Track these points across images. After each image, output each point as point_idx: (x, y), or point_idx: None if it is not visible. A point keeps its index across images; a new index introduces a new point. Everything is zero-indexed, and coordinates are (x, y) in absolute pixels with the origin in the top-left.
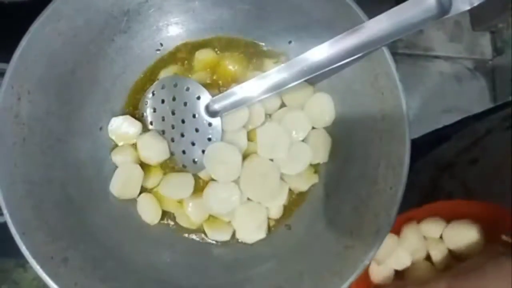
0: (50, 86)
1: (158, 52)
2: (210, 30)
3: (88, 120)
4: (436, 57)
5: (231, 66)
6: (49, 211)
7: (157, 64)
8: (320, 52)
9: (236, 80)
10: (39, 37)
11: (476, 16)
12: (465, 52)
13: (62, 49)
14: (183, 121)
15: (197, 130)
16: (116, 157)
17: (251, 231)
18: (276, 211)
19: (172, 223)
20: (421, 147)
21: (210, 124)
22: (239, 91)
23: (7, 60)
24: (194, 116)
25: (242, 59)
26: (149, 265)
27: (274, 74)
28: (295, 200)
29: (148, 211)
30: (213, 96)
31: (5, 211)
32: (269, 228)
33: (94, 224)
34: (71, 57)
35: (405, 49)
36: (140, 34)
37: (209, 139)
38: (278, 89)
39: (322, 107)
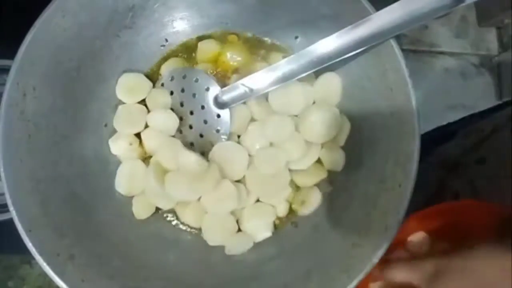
0: (55, 83)
1: (163, 47)
2: (215, 25)
3: (93, 117)
4: (441, 53)
5: (234, 57)
6: (55, 208)
7: (162, 60)
8: (330, 43)
9: (239, 71)
10: (43, 33)
11: (482, 12)
12: (471, 48)
13: (67, 45)
14: (191, 113)
15: (205, 122)
16: (116, 149)
17: (258, 230)
18: (281, 209)
19: (177, 220)
20: (426, 145)
21: (218, 116)
22: (248, 82)
23: (12, 56)
24: (202, 107)
25: (246, 51)
26: (156, 262)
27: (283, 65)
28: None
29: (140, 205)
30: (221, 87)
31: (11, 208)
32: (275, 226)
33: (100, 221)
34: (76, 53)
35: (410, 45)
36: (145, 30)
37: (218, 131)
38: (286, 80)
39: (330, 87)
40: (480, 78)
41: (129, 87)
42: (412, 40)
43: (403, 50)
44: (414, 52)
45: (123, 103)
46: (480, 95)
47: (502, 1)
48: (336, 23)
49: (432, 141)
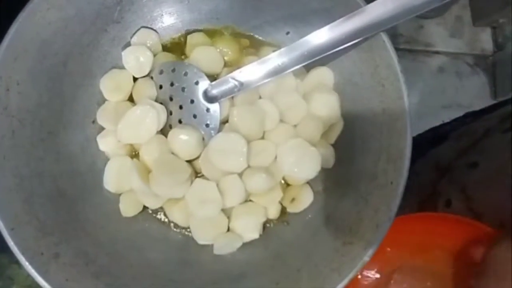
0: (40, 78)
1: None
2: (206, 20)
3: (80, 113)
4: (437, 52)
5: (224, 51)
6: (39, 206)
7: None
8: (322, 36)
9: (229, 65)
10: (28, 27)
11: (477, 11)
12: (466, 48)
13: (52, 39)
14: (181, 107)
15: (195, 116)
16: (105, 146)
17: (246, 229)
18: (273, 211)
19: (165, 218)
20: (420, 146)
21: (208, 110)
22: (238, 76)
23: None
24: (192, 101)
25: (236, 45)
26: (143, 261)
27: (274, 58)
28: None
29: (127, 203)
30: (211, 81)
31: None
32: (264, 226)
33: (87, 218)
34: (62, 47)
35: (405, 44)
36: (134, 25)
37: (207, 125)
38: (278, 74)
39: (321, 81)
40: (475, 77)
41: (113, 85)
42: (407, 40)
43: (399, 50)
44: (409, 51)
45: None
46: (475, 95)
47: (497, 1)
48: (327, 18)
49: (426, 143)
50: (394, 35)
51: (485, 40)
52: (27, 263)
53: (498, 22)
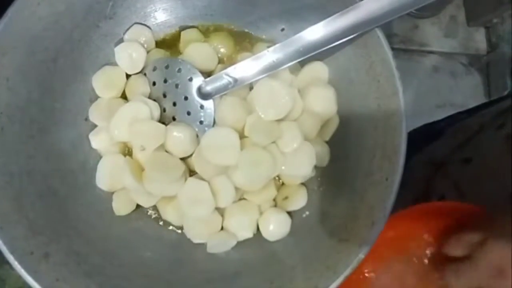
0: (30, 74)
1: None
2: (200, 16)
3: (72, 110)
4: (431, 52)
5: (218, 47)
6: (29, 204)
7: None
8: (317, 31)
9: (224, 61)
10: (17, 22)
11: (471, 12)
12: (460, 48)
13: (43, 35)
14: (174, 104)
15: (188, 113)
16: (97, 143)
17: (240, 228)
18: (267, 208)
19: (159, 217)
20: (415, 143)
21: (202, 107)
22: (233, 72)
23: None
24: (185, 98)
25: (230, 41)
26: (136, 260)
27: (269, 54)
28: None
29: (120, 201)
30: (205, 78)
31: None
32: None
33: (78, 217)
34: (53, 43)
35: (400, 44)
36: (126, 20)
37: (201, 122)
38: (272, 70)
39: (316, 75)
40: (469, 77)
41: (106, 82)
42: (402, 39)
43: (394, 49)
44: (404, 51)
45: None
46: (469, 94)
47: (491, 1)
48: (322, 13)
49: (421, 139)
50: (389, 35)
51: (479, 40)
52: (16, 263)
53: (491, 22)
